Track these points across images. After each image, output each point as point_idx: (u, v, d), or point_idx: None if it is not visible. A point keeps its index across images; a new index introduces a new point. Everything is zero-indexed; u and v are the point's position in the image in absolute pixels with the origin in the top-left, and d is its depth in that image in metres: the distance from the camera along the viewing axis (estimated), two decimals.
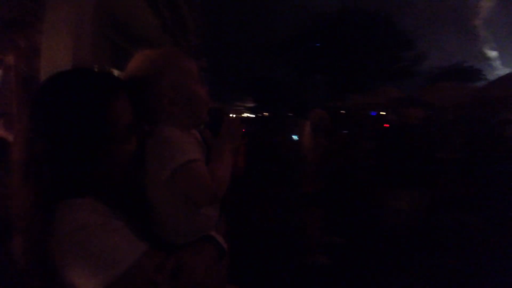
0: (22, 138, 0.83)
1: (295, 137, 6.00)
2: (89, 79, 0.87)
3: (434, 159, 4.54)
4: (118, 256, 0.76)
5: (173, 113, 0.98)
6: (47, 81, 0.87)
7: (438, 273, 3.58)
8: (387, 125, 7.79)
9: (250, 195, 6.96)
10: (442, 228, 4.46)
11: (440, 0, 53.80)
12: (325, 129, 4.35)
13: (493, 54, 59.31)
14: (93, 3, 2.20)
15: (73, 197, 0.80)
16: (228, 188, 1.01)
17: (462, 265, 3.65)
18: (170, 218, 0.95)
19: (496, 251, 3.82)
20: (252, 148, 7.70)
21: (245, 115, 43.18)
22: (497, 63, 57.35)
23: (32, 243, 0.78)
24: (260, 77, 38.68)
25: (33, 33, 2.50)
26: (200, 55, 12.47)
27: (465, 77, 25.65)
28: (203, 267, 0.90)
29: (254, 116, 33.01)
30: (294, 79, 34.15)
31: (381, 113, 13.02)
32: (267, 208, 5.89)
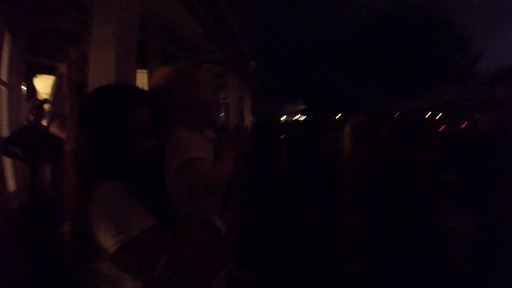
0: (72, 136, 1.18)
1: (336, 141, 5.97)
2: (116, 94, 1.16)
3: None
4: (130, 225, 1.00)
5: (184, 117, 1.21)
6: (90, 95, 1.19)
7: None
8: (442, 130, 7.44)
9: (288, 198, 6.99)
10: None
11: None
12: (365, 134, 4.25)
13: None
14: (136, 19, 2.39)
15: (105, 180, 1.06)
16: (236, 182, 1.22)
17: None
18: (178, 203, 1.17)
19: None
20: (294, 150, 7.70)
21: (297, 117, 43.20)
22: None
23: (75, 213, 1.06)
24: (311, 79, 38.42)
25: (83, 45, 2.75)
26: (248, 58, 12.68)
27: None
28: (196, 244, 1.09)
29: (304, 118, 32.99)
30: (345, 82, 33.49)
31: (436, 117, 12.50)
32: (305, 212, 5.86)
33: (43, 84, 5.38)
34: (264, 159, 8.49)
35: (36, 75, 5.16)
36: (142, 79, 7.19)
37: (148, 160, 1.15)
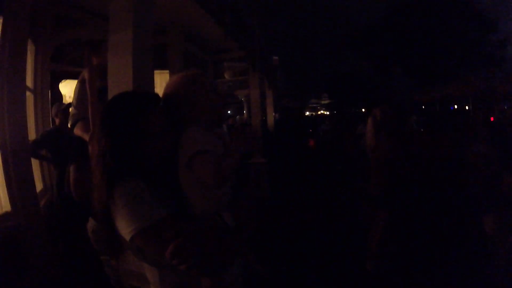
0: (95, 138, 1.34)
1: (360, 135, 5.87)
2: (132, 100, 1.32)
3: None
4: (144, 216, 1.13)
5: (194, 117, 1.37)
6: (109, 101, 1.38)
7: None
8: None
9: (314, 192, 6.95)
10: None
11: None
12: (389, 127, 4.12)
13: None
14: (151, 23, 2.44)
15: (125, 178, 1.20)
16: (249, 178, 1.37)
17: None
18: (189, 195, 1.30)
19: None
20: (322, 145, 7.65)
21: (321, 112, 42.79)
22: None
23: (102, 209, 1.21)
24: (335, 72, 37.85)
25: (103, 51, 2.82)
26: (269, 54, 12.65)
27: None
28: (203, 235, 1.18)
29: (328, 113, 32.63)
30: (371, 72, 32.70)
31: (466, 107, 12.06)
32: (330, 208, 5.81)
33: (68, 90, 5.59)
34: (290, 155, 8.52)
35: (62, 81, 5.35)
36: (165, 79, 7.33)
37: (164, 157, 1.29)
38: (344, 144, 9.25)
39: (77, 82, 3.91)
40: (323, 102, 45.32)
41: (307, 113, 39.56)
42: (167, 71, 7.20)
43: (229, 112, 16.85)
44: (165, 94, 1.42)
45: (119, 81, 2.40)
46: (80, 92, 3.61)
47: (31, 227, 3.60)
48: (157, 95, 1.40)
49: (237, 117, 14.35)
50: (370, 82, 33.54)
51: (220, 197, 1.34)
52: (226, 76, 10.44)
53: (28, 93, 4.37)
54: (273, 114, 12.99)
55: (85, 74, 3.70)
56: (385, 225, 3.84)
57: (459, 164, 4.29)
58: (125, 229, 1.14)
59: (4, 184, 3.62)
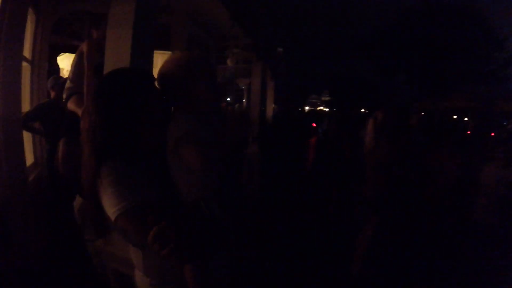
0: (87, 113, 1.26)
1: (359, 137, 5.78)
2: (126, 77, 1.29)
3: None
4: (129, 197, 1.11)
5: (188, 103, 1.32)
6: (103, 77, 1.35)
7: None
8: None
9: (312, 192, 6.90)
10: None
11: None
12: (389, 131, 4.05)
13: None
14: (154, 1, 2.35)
15: (115, 157, 1.18)
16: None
17: None
18: (176, 179, 1.27)
19: None
20: (321, 144, 7.61)
21: (320, 108, 42.77)
22: None
23: (89, 187, 1.19)
24: (338, 71, 37.84)
25: (103, 25, 2.73)
26: (274, 46, 12.53)
27: None
28: (185, 222, 1.12)
29: (328, 110, 32.52)
30: (374, 75, 32.76)
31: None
32: (323, 208, 5.74)
33: (66, 63, 5.47)
34: (289, 149, 8.47)
35: (60, 54, 5.23)
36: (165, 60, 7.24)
37: (155, 140, 1.28)
38: (343, 145, 9.19)
39: (75, 55, 3.82)
40: (323, 98, 45.28)
41: (306, 108, 39.55)
42: (169, 52, 7.10)
43: (228, 99, 16.73)
44: (161, 73, 1.36)
45: (116, 56, 2.32)
46: (77, 66, 3.50)
47: (16, 200, 3.52)
48: (152, 75, 1.36)
49: (236, 105, 14.25)
50: (371, 84, 33.61)
51: (206, 184, 1.29)
52: (229, 62, 10.33)
53: (25, 64, 4.28)
54: (272, 105, 12.92)
55: (84, 47, 3.61)
56: (374, 230, 3.76)
57: (469, 185, 4.21)
58: (110, 208, 1.13)
59: None
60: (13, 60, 3.58)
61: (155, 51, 6.71)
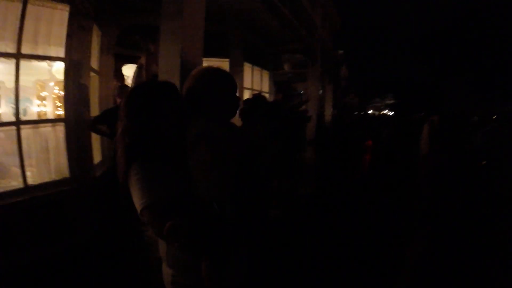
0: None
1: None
2: (148, 87, 1.47)
3: None
4: (153, 192, 1.25)
5: (206, 110, 1.46)
6: (133, 89, 1.58)
7: None
8: None
9: (365, 197, 6.74)
10: None
11: None
12: (445, 136, 3.88)
13: None
14: (201, 14, 2.55)
15: (142, 156, 1.32)
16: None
17: None
18: (195, 178, 1.36)
19: None
20: (378, 149, 7.38)
21: (384, 112, 41.18)
22: None
23: (122, 182, 1.36)
24: (402, 74, 36.24)
25: (158, 39, 2.99)
26: (331, 49, 12.38)
27: None
28: (200, 219, 1.26)
29: (392, 113, 31.30)
30: (434, 80, 30.89)
31: None
32: (372, 213, 5.57)
33: (130, 72, 5.97)
34: (345, 152, 8.34)
35: (124, 64, 5.69)
36: (225, 68, 7.49)
37: (177, 142, 1.39)
38: (403, 150, 8.85)
39: (136, 67, 4.18)
40: (387, 102, 43.60)
41: (370, 111, 38.32)
42: (227, 59, 7.37)
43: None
44: (187, 85, 1.53)
45: (168, 67, 2.54)
46: (137, 76, 3.88)
47: (83, 192, 4.07)
48: (173, 85, 1.49)
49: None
50: (429, 88, 31.72)
51: (221, 185, 1.38)
52: (286, 67, 10.40)
53: (93, 74, 4.77)
54: (331, 110, 12.74)
55: (142, 60, 3.97)
56: (425, 241, 3.49)
57: None
58: (136, 203, 1.27)
59: (66, 153, 4.03)
60: (82, 71, 4.05)
61: (214, 60, 7.05)
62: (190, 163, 1.36)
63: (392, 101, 40.82)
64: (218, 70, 1.57)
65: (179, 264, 1.38)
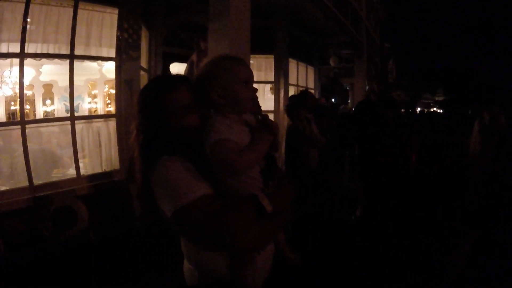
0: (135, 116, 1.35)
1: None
2: (158, 82, 1.41)
3: None
4: (185, 193, 1.14)
5: (221, 104, 1.31)
6: (148, 83, 1.44)
7: None
8: None
9: (411, 195, 6.50)
10: None
11: None
12: (497, 133, 3.61)
13: None
14: (247, 13, 2.54)
15: (163, 156, 1.22)
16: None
17: None
18: (219, 177, 1.28)
19: None
20: (426, 145, 7.11)
21: (434, 109, 39.43)
22: None
23: (140, 183, 1.28)
24: (454, 67, 34.33)
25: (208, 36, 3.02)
26: (378, 42, 12.03)
27: None
28: (238, 215, 1.19)
29: (441, 111, 29.96)
30: (494, 70, 29.00)
31: None
32: (416, 214, 5.30)
33: (176, 70, 6.12)
34: (390, 150, 8.06)
35: (172, 62, 5.83)
36: (269, 64, 7.48)
37: (195, 137, 1.29)
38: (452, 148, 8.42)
39: (187, 64, 4.27)
40: (437, 98, 41.74)
41: (419, 109, 36.87)
42: (272, 55, 7.34)
43: (333, 100, 16.49)
44: (197, 75, 1.39)
45: None
46: (189, 73, 3.95)
47: (133, 183, 4.19)
48: (186, 78, 1.40)
49: (342, 106, 14.02)
50: (491, 80, 29.77)
51: (251, 183, 1.31)
52: (332, 63, 10.18)
53: (142, 72, 4.94)
54: None
55: (194, 57, 4.04)
56: (472, 247, 3.24)
57: None
58: (165, 206, 1.18)
59: (116, 146, 4.21)
60: (132, 70, 4.21)
61: (258, 56, 7.03)
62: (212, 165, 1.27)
63: (442, 98, 39.03)
64: (233, 59, 1.38)
65: (208, 266, 1.32)
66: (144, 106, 1.29)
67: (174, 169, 1.20)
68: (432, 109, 39.63)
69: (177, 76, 1.41)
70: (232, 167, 1.22)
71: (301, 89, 8.57)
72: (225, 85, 1.30)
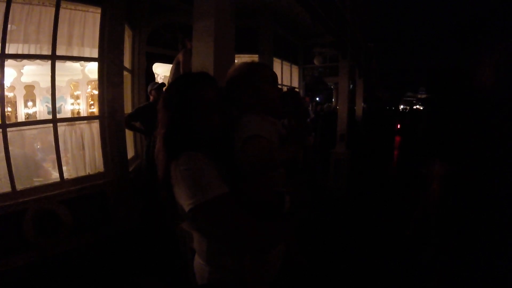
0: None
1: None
2: (184, 79, 1.38)
3: None
4: (204, 190, 1.15)
5: (251, 105, 1.41)
6: (171, 82, 1.48)
7: None
8: None
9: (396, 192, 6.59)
10: None
11: None
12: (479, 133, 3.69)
13: None
14: (231, 14, 2.54)
15: (185, 151, 1.23)
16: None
17: None
18: (245, 173, 1.32)
19: None
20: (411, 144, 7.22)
21: (416, 107, 40.13)
22: None
23: (163, 177, 1.27)
24: (435, 65, 34.82)
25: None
26: (362, 41, 12.13)
27: None
28: (255, 216, 1.21)
29: (422, 108, 30.47)
30: (472, 67, 29.45)
31: None
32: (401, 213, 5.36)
33: (159, 70, 6.08)
34: (376, 147, 8.21)
35: (155, 62, 5.82)
36: None
37: (220, 134, 1.34)
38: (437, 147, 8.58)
39: (173, 63, 4.28)
40: (419, 96, 42.39)
41: (401, 106, 37.39)
42: (257, 55, 7.35)
43: (317, 99, 16.60)
44: (227, 79, 1.49)
45: (203, 64, 2.55)
46: (175, 73, 3.92)
47: (118, 185, 4.27)
48: (210, 76, 1.44)
49: (326, 104, 14.13)
50: (474, 79, 30.29)
51: (275, 178, 1.39)
52: (316, 62, 10.26)
53: (125, 73, 4.90)
54: (362, 104, 12.52)
55: (180, 56, 4.03)
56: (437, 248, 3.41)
57: None
58: (183, 201, 1.18)
59: (100, 148, 4.16)
60: (116, 70, 4.17)
61: (243, 56, 7.04)
62: (238, 162, 1.32)
63: (424, 95, 39.69)
64: (264, 65, 1.53)
65: (221, 262, 1.35)
66: (167, 101, 1.32)
67: (198, 163, 1.20)
68: (414, 107, 40.31)
69: (202, 73, 1.42)
70: (262, 164, 1.28)
71: (285, 88, 8.62)
72: (255, 86, 1.42)
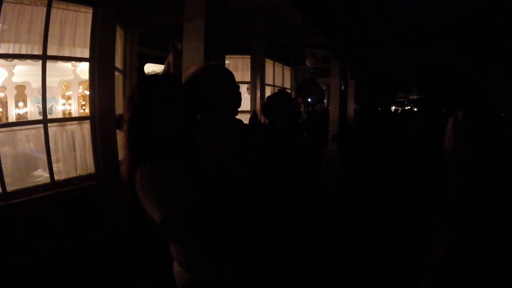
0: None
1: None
2: (151, 77, 1.36)
3: None
4: (172, 200, 1.10)
5: (212, 103, 1.48)
6: (138, 83, 1.40)
7: None
8: None
9: (389, 192, 6.64)
10: None
11: None
12: (470, 132, 3.71)
13: None
14: (223, 14, 2.56)
15: (153, 159, 1.18)
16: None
17: None
18: (208, 170, 1.30)
19: None
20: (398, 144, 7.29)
21: (408, 108, 40.28)
22: None
23: (127, 186, 1.21)
24: (428, 66, 35.03)
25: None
26: (354, 42, 12.19)
27: None
28: (229, 220, 1.23)
29: (415, 110, 30.59)
30: (469, 69, 29.75)
31: None
32: (394, 212, 5.42)
33: (152, 70, 6.06)
34: (368, 148, 8.22)
35: (146, 63, 5.82)
36: (246, 64, 7.52)
37: (183, 132, 1.31)
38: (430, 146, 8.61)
39: (164, 64, 4.29)
40: (411, 97, 42.60)
41: (393, 107, 37.48)
42: (249, 56, 7.37)
43: (309, 100, 16.64)
44: (185, 80, 1.53)
45: (192, 65, 2.56)
46: None
47: (109, 187, 4.23)
48: (174, 75, 1.48)
49: (318, 105, 14.16)
50: (465, 79, 30.54)
51: (240, 177, 1.39)
52: (308, 63, 10.29)
53: (117, 73, 4.88)
54: (354, 105, 12.58)
55: (170, 58, 4.05)
56: (450, 241, 3.28)
57: None
58: (154, 212, 1.12)
59: (91, 149, 4.14)
60: (107, 71, 4.17)
61: (235, 56, 7.05)
62: (204, 162, 1.29)
63: (416, 96, 39.91)
64: (221, 67, 1.61)
65: (201, 268, 1.32)
66: (130, 97, 1.29)
67: (165, 173, 1.16)
68: (406, 107, 40.45)
69: (166, 73, 1.50)
70: (226, 156, 1.31)
71: (277, 89, 8.64)
72: (211, 89, 1.48)
